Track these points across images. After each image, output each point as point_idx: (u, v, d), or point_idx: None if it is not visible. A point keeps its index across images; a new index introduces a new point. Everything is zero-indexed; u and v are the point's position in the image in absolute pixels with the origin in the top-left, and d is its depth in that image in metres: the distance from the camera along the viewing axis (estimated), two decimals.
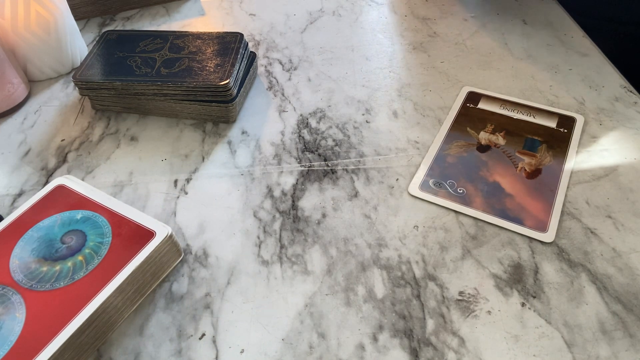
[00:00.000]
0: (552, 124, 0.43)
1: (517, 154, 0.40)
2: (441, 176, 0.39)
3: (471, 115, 0.44)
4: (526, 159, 0.40)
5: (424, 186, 0.39)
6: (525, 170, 0.39)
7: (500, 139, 0.42)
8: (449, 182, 0.39)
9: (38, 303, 0.30)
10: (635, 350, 0.30)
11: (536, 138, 0.42)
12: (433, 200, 0.38)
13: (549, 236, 0.35)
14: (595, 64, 0.49)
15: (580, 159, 0.40)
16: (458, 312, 0.32)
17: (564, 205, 0.37)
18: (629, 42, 0.59)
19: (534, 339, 0.30)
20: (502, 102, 0.45)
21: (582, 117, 0.43)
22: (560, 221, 0.36)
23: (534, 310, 0.32)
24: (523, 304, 0.32)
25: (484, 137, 0.42)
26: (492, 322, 0.31)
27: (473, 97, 0.46)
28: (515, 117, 0.44)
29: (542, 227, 0.35)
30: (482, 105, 0.45)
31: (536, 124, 0.43)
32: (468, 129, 0.43)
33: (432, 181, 0.39)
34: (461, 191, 0.38)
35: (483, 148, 0.41)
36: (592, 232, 0.35)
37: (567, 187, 0.38)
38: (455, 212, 0.37)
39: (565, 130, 0.42)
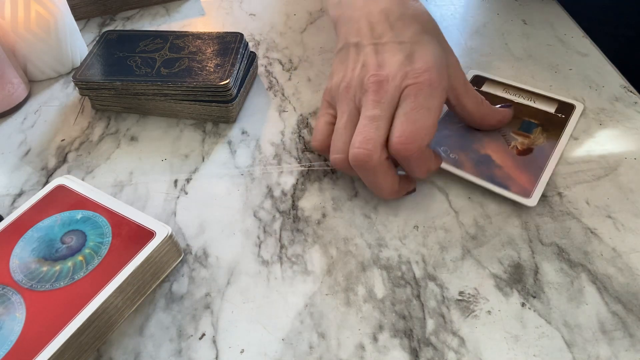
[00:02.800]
0: (550, 109, 0.44)
1: (511, 134, 0.41)
2: (436, 143, 0.41)
3: None
4: (520, 139, 0.41)
5: None
6: (517, 148, 0.40)
7: None
8: (443, 149, 0.40)
9: (38, 303, 0.30)
10: (635, 350, 0.30)
11: (533, 121, 0.42)
12: None
13: (532, 201, 0.36)
14: (595, 64, 0.49)
15: (580, 157, 0.40)
16: (458, 312, 0.32)
17: (550, 178, 0.38)
18: (629, 42, 0.59)
19: (534, 339, 0.30)
20: (505, 87, 0.46)
21: (582, 104, 0.44)
22: (545, 193, 0.37)
23: (534, 310, 0.32)
24: (523, 304, 0.32)
25: None
26: (492, 322, 0.31)
27: (478, 80, 0.47)
28: (516, 101, 0.44)
29: (527, 194, 0.37)
30: (485, 88, 0.46)
31: (535, 108, 0.44)
32: None
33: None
34: (453, 157, 0.40)
35: None
36: (592, 232, 0.35)
37: (557, 165, 0.39)
38: (448, 172, 0.39)
39: (563, 116, 0.43)
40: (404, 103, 0.34)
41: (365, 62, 0.36)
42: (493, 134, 0.41)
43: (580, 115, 0.43)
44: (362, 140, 0.34)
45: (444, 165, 0.39)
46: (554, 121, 0.42)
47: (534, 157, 0.39)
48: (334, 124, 0.38)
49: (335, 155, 0.36)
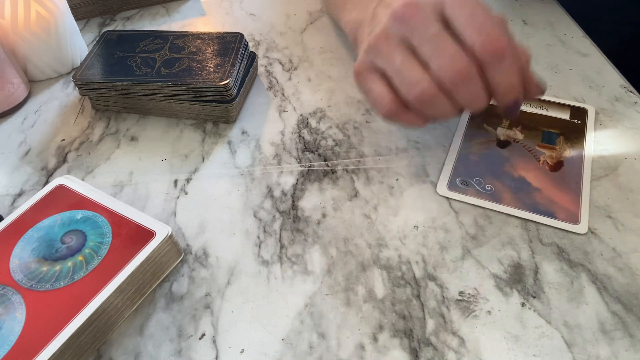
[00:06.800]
0: (565, 115, 0.43)
1: (537, 148, 0.41)
2: (467, 174, 0.39)
3: (485, 111, 0.44)
4: (547, 152, 0.40)
5: (452, 186, 0.39)
6: (548, 163, 0.40)
7: (518, 134, 0.42)
8: (476, 180, 0.39)
9: (38, 303, 0.30)
10: (635, 350, 0.30)
11: (553, 131, 0.42)
12: (463, 199, 0.38)
13: (582, 227, 0.35)
14: (595, 64, 0.49)
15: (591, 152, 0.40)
16: (458, 312, 0.32)
17: (590, 195, 0.37)
18: (629, 42, 0.59)
19: (534, 339, 0.30)
20: None
21: (593, 107, 0.44)
22: (590, 213, 0.36)
23: (534, 310, 0.32)
24: (523, 304, 0.32)
25: (501, 132, 0.42)
26: (492, 322, 0.31)
27: None
28: (528, 111, 0.44)
29: (574, 219, 0.36)
30: (493, 100, 0.45)
31: (550, 117, 0.43)
32: (485, 125, 0.43)
33: (459, 180, 0.39)
34: (489, 188, 0.38)
35: (503, 144, 0.42)
36: (592, 232, 0.35)
37: (591, 178, 0.38)
38: (484, 208, 0.37)
39: (579, 122, 0.43)
40: (455, 15, 0.29)
41: (382, 13, 0.32)
42: (520, 151, 0.41)
43: (595, 118, 0.43)
44: (454, 55, 0.28)
45: (482, 202, 0.37)
46: (573, 128, 0.42)
47: (567, 172, 0.39)
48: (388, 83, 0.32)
49: (417, 87, 0.29)
